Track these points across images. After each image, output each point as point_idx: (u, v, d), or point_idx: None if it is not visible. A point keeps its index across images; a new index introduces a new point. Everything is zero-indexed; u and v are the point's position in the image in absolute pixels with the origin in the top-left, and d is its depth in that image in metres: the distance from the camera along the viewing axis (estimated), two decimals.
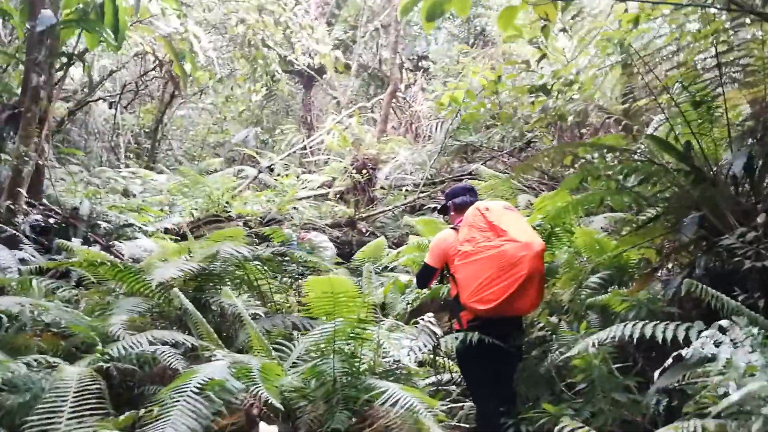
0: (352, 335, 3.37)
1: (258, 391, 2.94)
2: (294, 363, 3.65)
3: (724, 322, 2.64)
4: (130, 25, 10.38)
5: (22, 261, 6.62)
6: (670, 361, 2.86)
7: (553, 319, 5.16)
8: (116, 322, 3.94)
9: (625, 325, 3.62)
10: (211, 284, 5.02)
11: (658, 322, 3.51)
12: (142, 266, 5.15)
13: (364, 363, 3.54)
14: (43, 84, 8.43)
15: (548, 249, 5.92)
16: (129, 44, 12.50)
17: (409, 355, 3.98)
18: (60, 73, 9.63)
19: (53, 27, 8.38)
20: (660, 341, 3.34)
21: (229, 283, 5.10)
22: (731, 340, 2.33)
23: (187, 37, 9.86)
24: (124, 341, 3.59)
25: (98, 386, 2.91)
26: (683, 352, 2.56)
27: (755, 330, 2.36)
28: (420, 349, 4.09)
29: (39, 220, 7.98)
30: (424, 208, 11.12)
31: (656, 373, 3.35)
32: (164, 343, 3.65)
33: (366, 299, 3.39)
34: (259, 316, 4.56)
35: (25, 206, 8.05)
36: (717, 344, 2.38)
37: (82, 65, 10.45)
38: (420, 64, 16.02)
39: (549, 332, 5.07)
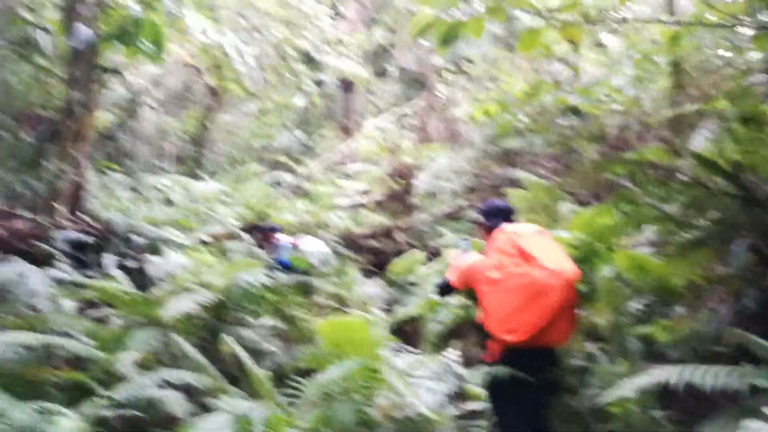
0: (363, 385, 3.16)
1: None
2: (307, 406, 3.46)
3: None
4: (170, 37, 10.43)
5: (57, 280, 6.62)
6: None
7: (591, 347, 4.85)
8: (127, 360, 3.84)
9: (668, 370, 3.33)
10: (231, 313, 4.90)
11: (704, 365, 3.22)
12: (165, 292, 5.06)
13: (379, 410, 3.32)
14: (80, 99, 8.50)
15: (587, 267, 5.62)
16: (172, 53, 12.55)
17: (432, 394, 3.76)
18: (101, 87, 9.72)
19: (91, 42, 8.44)
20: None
21: (249, 310, 4.96)
22: None
23: (222, 47, 9.79)
24: (131, 383, 3.47)
25: None
26: None
27: None
28: (442, 388, 3.86)
29: (76, 235, 7.99)
30: (464, 215, 10.83)
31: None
32: (173, 386, 3.52)
33: (380, 343, 3.17)
34: (273, 351, 4.39)
35: (63, 221, 8.11)
36: None
37: (121, 78, 10.55)
38: (461, 66, 15.67)
39: (586, 362, 4.79)
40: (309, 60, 11.80)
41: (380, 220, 10.34)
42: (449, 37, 2.92)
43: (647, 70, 4.22)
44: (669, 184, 4.61)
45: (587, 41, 4.03)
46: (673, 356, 4.02)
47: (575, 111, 4.69)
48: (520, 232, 4.24)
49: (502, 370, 4.01)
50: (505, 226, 4.31)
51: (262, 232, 8.93)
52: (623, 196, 4.10)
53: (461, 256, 4.66)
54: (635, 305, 4.95)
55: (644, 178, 4.64)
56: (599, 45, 4.50)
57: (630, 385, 3.43)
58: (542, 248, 4.14)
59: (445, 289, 4.57)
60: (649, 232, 6.49)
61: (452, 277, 4.48)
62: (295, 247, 8.20)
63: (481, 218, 4.66)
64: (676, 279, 4.85)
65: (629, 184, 4.33)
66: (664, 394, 3.96)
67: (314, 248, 8.12)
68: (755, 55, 4.07)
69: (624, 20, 3.30)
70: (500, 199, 4.71)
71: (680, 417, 3.82)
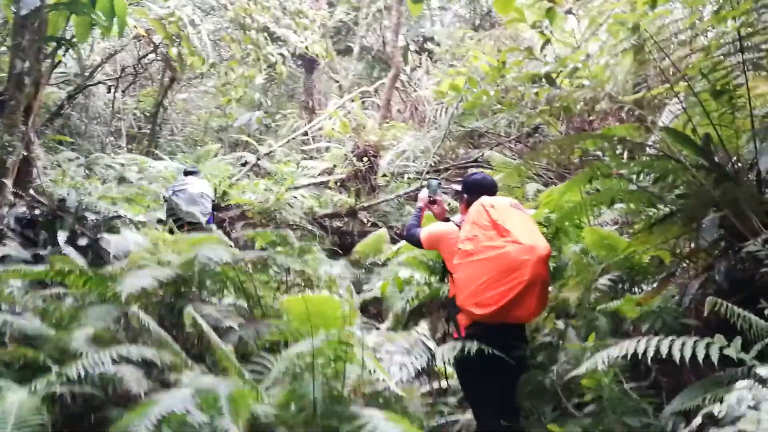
0: (332, 358, 3.04)
1: (223, 426, 2.62)
2: (275, 382, 3.33)
3: (763, 371, 2.28)
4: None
5: (5, 258, 6.35)
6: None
7: (560, 323, 4.82)
8: (80, 336, 3.64)
9: (638, 341, 3.29)
10: (191, 290, 4.71)
11: (674, 337, 3.19)
12: (121, 268, 4.84)
13: (348, 385, 3.21)
14: (28, 70, 8.09)
15: (555, 245, 5.59)
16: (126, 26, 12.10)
17: (401, 370, 3.66)
18: (50, 60, 9.29)
19: (38, 10, 8.02)
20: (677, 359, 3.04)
21: (210, 288, 4.80)
22: None
23: (179, 19, 9.44)
24: (86, 359, 3.28)
25: (40, 419, 2.59)
26: (714, 410, 2.20)
27: None
28: (413, 364, 3.76)
29: (25, 212, 7.66)
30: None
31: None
32: (129, 361, 3.34)
33: (350, 319, 3.04)
34: (233, 327, 4.24)
35: (11, 198, 7.75)
36: (757, 401, 2.01)
37: (73, 50, 10.10)
38: (425, 45, 15.55)
39: (555, 338, 4.75)
40: (270, 35, 11.48)
41: (344, 200, 10.19)
42: None
43: (619, 41, 4.13)
44: (640, 159, 4.58)
45: (560, 9, 3.93)
46: (642, 331, 3.99)
47: (549, 81, 4.60)
48: (496, 205, 4.14)
49: (470, 346, 3.94)
50: (482, 199, 4.20)
51: None
52: (596, 171, 4.03)
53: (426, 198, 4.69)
54: (604, 282, 4.94)
55: (614, 154, 4.60)
56: (568, 12, 4.43)
57: (601, 358, 3.38)
58: (517, 223, 4.05)
59: (413, 242, 4.62)
60: (614, 211, 6.52)
61: (422, 236, 4.45)
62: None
63: (463, 192, 4.54)
64: (644, 255, 4.86)
65: (602, 158, 4.27)
66: (635, 368, 3.95)
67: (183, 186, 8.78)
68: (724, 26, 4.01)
69: None
70: (483, 174, 4.58)
71: (652, 390, 3.80)
